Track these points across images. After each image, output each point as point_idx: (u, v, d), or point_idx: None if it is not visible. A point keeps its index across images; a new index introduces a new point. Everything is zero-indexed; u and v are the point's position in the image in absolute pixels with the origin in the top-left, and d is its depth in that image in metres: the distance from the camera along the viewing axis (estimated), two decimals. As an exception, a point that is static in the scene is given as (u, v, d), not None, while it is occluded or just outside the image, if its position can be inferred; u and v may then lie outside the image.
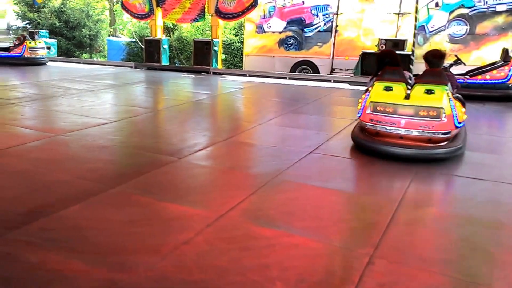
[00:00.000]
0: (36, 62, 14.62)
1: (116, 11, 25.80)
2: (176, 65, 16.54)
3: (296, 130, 6.51)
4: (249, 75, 13.11)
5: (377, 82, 5.18)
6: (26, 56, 14.43)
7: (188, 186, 4.17)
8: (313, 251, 2.94)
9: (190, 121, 7.21)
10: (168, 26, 19.08)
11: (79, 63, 16.57)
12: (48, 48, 16.74)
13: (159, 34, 14.98)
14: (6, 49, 14.69)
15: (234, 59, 18.12)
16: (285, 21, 13.67)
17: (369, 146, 5.06)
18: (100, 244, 2.91)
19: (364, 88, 5.76)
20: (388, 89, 5.04)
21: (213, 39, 13.70)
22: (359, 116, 5.31)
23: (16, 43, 14.70)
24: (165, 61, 14.53)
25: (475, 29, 11.58)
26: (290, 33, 13.64)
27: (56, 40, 18.43)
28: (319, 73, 13.24)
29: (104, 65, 16.16)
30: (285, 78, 12.65)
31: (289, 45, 13.73)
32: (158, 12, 14.77)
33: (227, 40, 18.16)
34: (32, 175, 4.24)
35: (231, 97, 10.09)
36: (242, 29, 16.66)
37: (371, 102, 5.09)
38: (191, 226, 3.20)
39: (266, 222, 3.32)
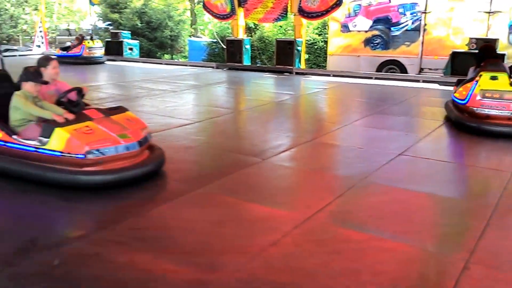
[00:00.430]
0: (93, 61, 15.70)
1: (197, 11, 26.73)
2: (258, 65, 16.81)
3: (383, 131, 6.40)
4: (333, 75, 13.02)
5: (483, 72, 6.27)
6: (84, 55, 15.53)
7: (273, 187, 4.26)
8: (405, 255, 2.91)
9: (273, 122, 7.32)
10: (250, 26, 19.44)
11: (161, 63, 17.33)
12: (131, 49, 17.75)
13: (241, 34, 15.32)
14: (66, 49, 15.94)
15: (317, 58, 18.07)
16: (371, 20, 13.51)
17: (481, 128, 5.93)
18: (187, 244, 3.03)
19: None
20: (494, 78, 6.16)
21: (296, 39, 13.77)
22: (465, 103, 6.19)
23: (75, 43, 15.82)
24: (247, 61, 14.84)
25: None
26: (376, 32, 13.47)
27: (138, 41, 19.42)
28: (406, 73, 12.90)
29: (186, 65, 16.76)
30: (371, 78, 12.42)
31: (375, 44, 13.53)
32: (240, 12, 15.11)
33: (310, 40, 18.15)
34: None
35: (315, 97, 10.10)
36: (325, 28, 16.59)
37: (481, 89, 6.08)
38: (278, 227, 3.26)
39: (356, 225, 3.32)
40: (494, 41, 10.76)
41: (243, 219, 3.47)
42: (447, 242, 3.12)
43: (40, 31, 19.72)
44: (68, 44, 17.06)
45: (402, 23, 13.03)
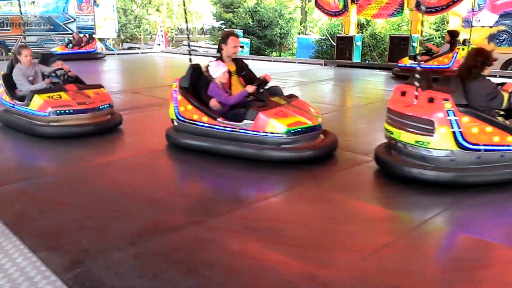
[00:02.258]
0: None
1: (308, 9, 26.76)
2: (367, 62, 16.39)
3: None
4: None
5: None
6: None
7: (386, 187, 4.09)
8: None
9: (383, 121, 7.02)
10: (361, 22, 19.01)
11: (270, 61, 17.59)
12: (242, 47, 18.21)
13: (352, 31, 15.04)
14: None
15: (435, 55, 17.17)
16: (497, 14, 12.53)
17: None
18: (298, 238, 3.03)
19: None
20: None
21: (412, 35, 13.18)
22: None
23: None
24: (356, 58, 14.54)
25: None
26: (503, 28, 12.49)
27: (248, 39, 19.89)
28: (536, 72, 11.77)
29: (294, 62, 16.81)
30: (495, 76, 11.48)
31: (501, 40, 12.58)
32: (353, 8, 14.84)
33: (426, 35, 17.31)
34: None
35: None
36: (444, 24, 15.69)
37: None
38: (391, 229, 3.14)
39: (479, 232, 3.09)
40: None
41: (354, 217, 3.39)
42: None
43: (161, 31, 21.03)
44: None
45: (533, 18, 12.03)
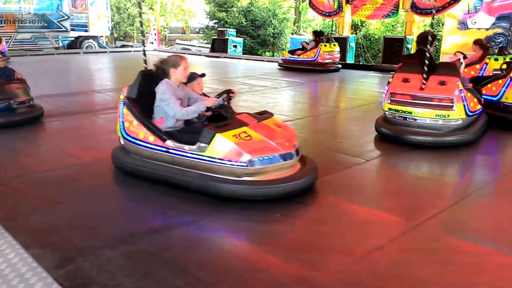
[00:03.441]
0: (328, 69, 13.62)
1: (302, 9, 26.81)
2: (361, 63, 16.42)
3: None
4: (446, 75, 12.33)
5: None
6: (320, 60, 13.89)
7: (378, 190, 4.10)
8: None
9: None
10: (355, 23, 19.06)
11: (263, 60, 17.56)
12: (235, 46, 18.23)
13: (346, 32, 15.07)
14: (293, 52, 14.21)
15: (428, 57, 17.25)
16: (493, 17, 12.60)
17: None
18: (290, 240, 3.02)
19: None
20: None
21: (406, 36, 13.24)
22: None
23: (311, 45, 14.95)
24: (350, 59, 14.57)
25: None
26: (499, 30, 12.54)
27: (242, 38, 19.88)
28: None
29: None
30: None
31: (498, 43, 12.61)
32: (347, 9, 14.88)
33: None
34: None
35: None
36: (439, 26, 15.76)
37: None
38: (383, 232, 3.13)
39: (472, 237, 3.09)
40: None
41: (346, 220, 3.38)
42: None
43: (154, 29, 20.98)
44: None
45: (530, 20, 12.06)
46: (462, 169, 4.83)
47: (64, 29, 19.50)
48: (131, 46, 23.42)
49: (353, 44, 14.60)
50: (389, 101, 5.52)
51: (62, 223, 3.19)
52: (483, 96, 5.84)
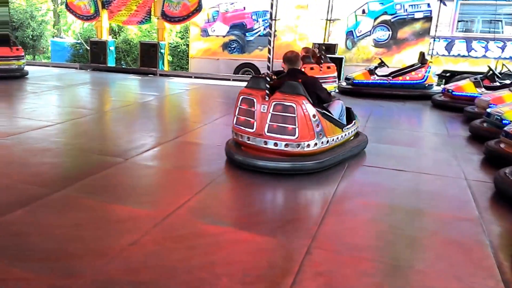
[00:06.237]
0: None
1: (60, 12, 24.60)
2: (123, 66, 16.03)
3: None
4: (195, 77, 12.94)
5: None
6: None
7: (135, 187, 4.04)
8: (256, 245, 2.94)
9: (137, 122, 6.99)
10: (114, 28, 18.45)
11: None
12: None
13: (105, 36, 14.45)
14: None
15: (181, 61, 17.82)
16: (228, 26, 13.67)
17: None
18: (45, 251, 2.72)
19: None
20: None
21: (160, 42, 13.41)
22: None
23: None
24: (111, 63, 14.03)
25: (396, 34, 12.27)
26: (233, 37, 13.68)
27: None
28: (260, 74, 13.33)
29: (48, 66, 15.26)
30: (229, 79, 12.61)
31: (232, 48, 13.75)
32: (104, 14, 14.23)
33: (174, 43, 17.83)
34: (-28, 181, 3.94)
35: (178, 98, 9.92)
36: (187, 32, 16.42)
37: None
38: (138, 227, 3.08)
39: (213, 219, 3.28)
40: (334, 46, 11.90)
41: (103, 221, 3.21)
42: (293, 230, 3.17)
43: None
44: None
45: (255, 29, 13.41)
46: (209, 159, 5.03)
47: None
48: None
49: (112, 48, 14.08)
50: None
51: None
52: None
